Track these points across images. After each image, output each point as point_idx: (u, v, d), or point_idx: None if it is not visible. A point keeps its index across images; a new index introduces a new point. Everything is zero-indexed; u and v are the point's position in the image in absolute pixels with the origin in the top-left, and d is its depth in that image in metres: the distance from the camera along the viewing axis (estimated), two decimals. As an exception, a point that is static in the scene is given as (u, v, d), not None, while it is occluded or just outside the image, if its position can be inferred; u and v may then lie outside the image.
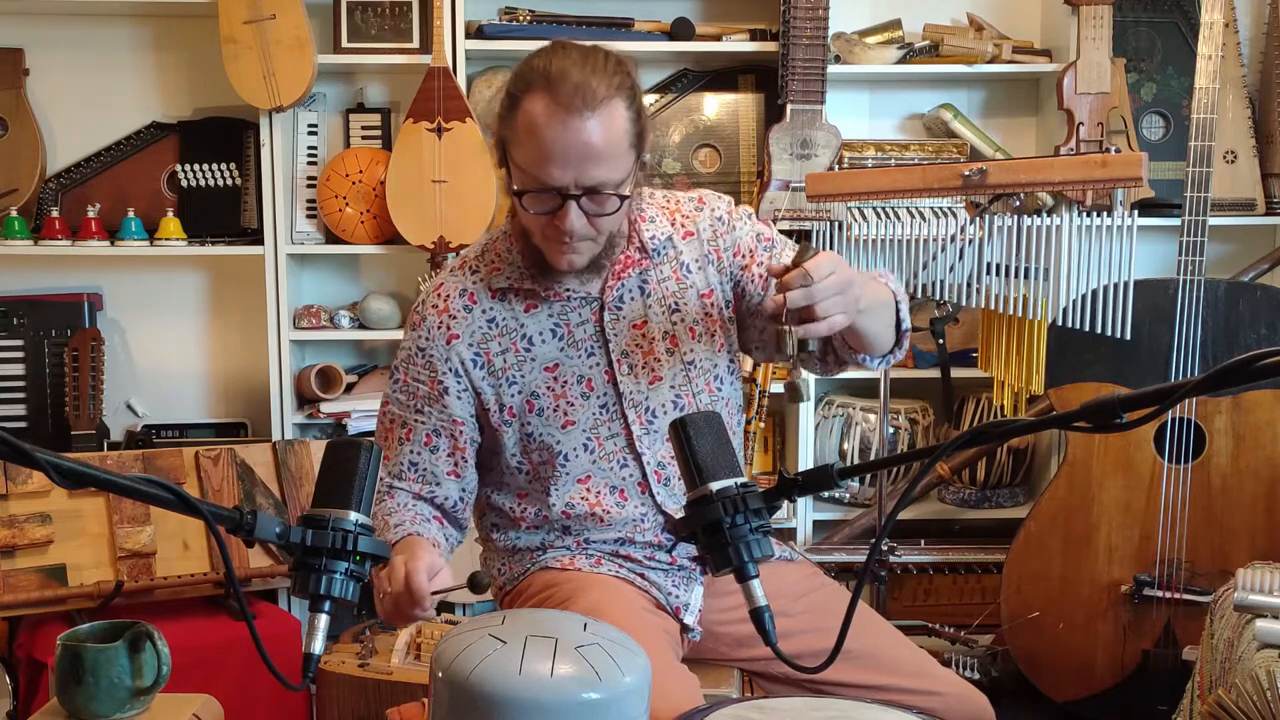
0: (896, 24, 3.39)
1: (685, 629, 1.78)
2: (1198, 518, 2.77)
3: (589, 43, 1.64)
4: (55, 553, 2.65)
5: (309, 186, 3.35)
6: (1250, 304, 2.74)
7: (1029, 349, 2.74)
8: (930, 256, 2.76)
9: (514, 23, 3.28)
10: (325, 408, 3.27)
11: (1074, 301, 2.68)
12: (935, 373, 3.18)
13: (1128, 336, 2.70)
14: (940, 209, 2.86)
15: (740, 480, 1.26)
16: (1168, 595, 2.78)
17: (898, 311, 1.74)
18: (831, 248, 2.85)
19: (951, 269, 2.74)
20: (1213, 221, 2.82)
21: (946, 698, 1.76)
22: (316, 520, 1.21)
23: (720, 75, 3.45)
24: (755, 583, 1.25)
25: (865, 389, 3.48)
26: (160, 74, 3.41)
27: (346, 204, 3.26)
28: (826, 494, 3.38)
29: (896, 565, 3.20)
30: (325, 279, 3.51)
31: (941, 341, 2.88)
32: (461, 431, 1.76)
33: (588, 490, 1.78)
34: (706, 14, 3.46)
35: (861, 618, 1.66)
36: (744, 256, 1.81)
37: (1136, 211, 2.75)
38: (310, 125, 3.36)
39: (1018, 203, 2.80)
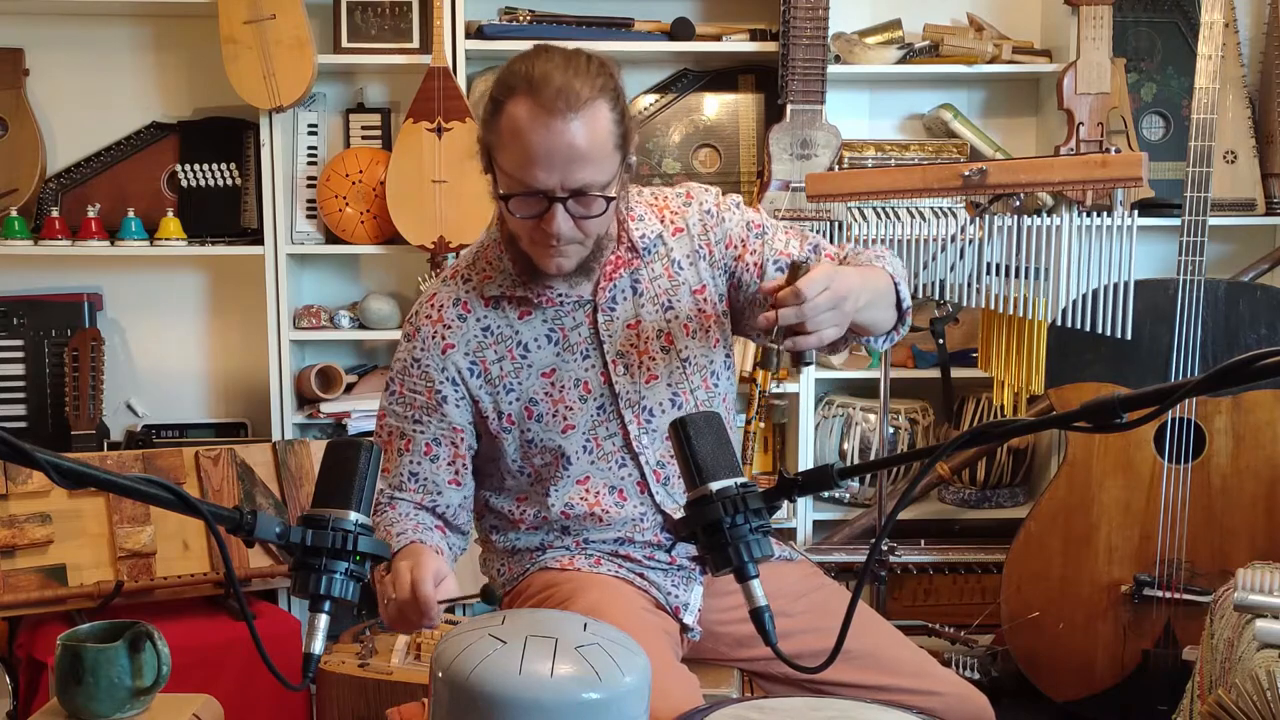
0: (896, 24, 3.39)
1: (685, 629, 1.78)
2: (1198, 518, 2.77)
3: (572, 45, 1.64)
4: (55, 553, 2.65)
5: (309, 186, 3.35)
6: (1250, 304, 2.73)
7: (1029, 349, 2.74)
8: (930, 256, 2.76)
9: (514, 23, 3.28)
10: (325, 408, 3.26)
11: (1074, 301, 2.69)
12: (935, 373, 3.18)
13: (1128, 336, 2.71)
14: (940, 209, 2.86)
15: (740, 480, 1.26)
16: (1168, 595, 2.78)
17: (898, 292, 1.74)
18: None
19: (951, 269, 2.75)
20: (1213, 221, 2.82)
21: (946, 698, 1.76)
22: (316, 520, 1.21)
23: (720, 75, 3.45)
24: (755, 583, 1.25)
25: (865, 389, 3.48)
26: (160, 74, 3.41)
27: (346, 204, 3.26)
28: (826, 494, 3.38)
29: (896, 565, 3.20)
30: (325, 279, 3.51)
31: (941, 341, 2.88)
32: (461, 439, 1.76)
33: (587, 490, 1.78)
34: (706, 14, 3.45)
35: (861, 618, 1.66)
36: (736, 247, 1.81)
37: (1136, 211, 2.76)
38: (310, 125, 3.36)
39: (1018, 203, 2.81)
